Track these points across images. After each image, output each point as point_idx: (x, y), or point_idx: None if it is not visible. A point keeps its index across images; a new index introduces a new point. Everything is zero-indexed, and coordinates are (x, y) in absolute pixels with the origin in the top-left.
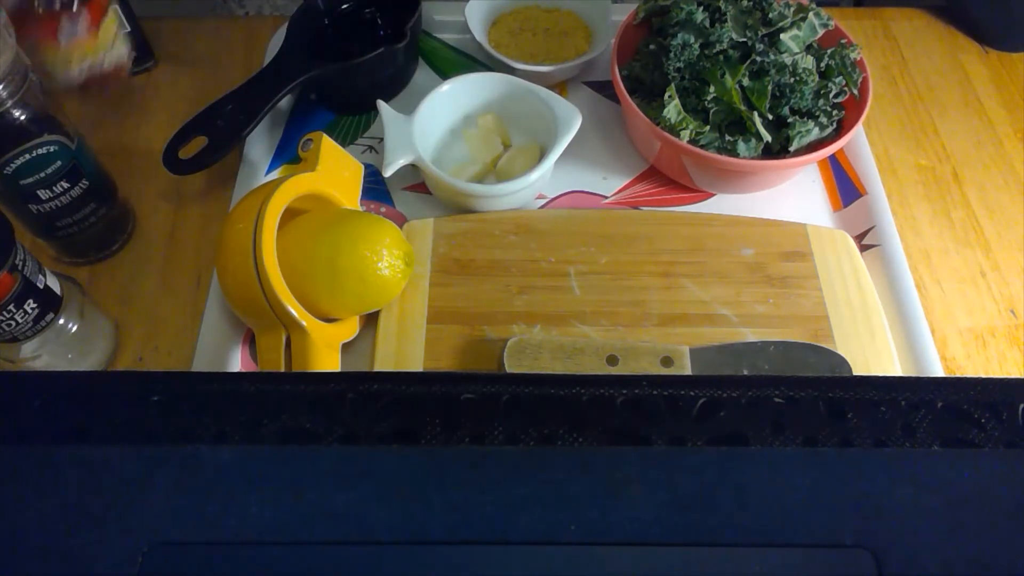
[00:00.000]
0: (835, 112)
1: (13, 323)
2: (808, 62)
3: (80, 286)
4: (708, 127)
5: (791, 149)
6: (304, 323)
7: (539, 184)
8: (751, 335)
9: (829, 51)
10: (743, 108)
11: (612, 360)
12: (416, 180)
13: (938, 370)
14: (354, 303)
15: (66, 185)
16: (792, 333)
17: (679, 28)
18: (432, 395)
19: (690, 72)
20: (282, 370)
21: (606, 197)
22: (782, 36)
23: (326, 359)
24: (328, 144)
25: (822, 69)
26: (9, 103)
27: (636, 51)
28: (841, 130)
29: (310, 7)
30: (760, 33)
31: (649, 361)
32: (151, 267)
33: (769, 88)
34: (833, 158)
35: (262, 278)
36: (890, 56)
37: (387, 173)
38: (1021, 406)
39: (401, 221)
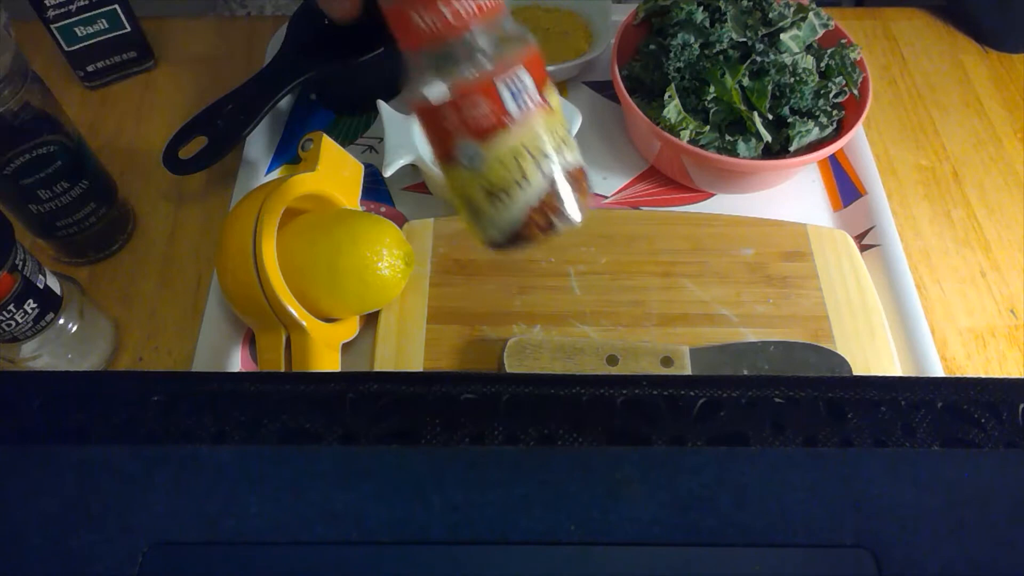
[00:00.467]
0: (835, 112)
1: (13, 323)
2: (808, 62)
3: (80, 286)
4: (708, 127)
5: (791, 149)
6: (304, 323)
7: None
8: (751, 335)
9: (829, 51)
10: (743, 108)
11: (612, 360)
12: (416, 180)
13: (938, 370)
14: (354, 303)
15: (66, 185)
16: (792, 333)
17: (679, 28)
18: (432, 395)
19: (690, 72)
20: (282, 370)
21: (606, 197)
22: (782, 36)
23: (326, 359)
24: (328, 144)
25: (822, 69)
26: (9, 103)
27: (636, 51)
28: (841, 130)
29: (310, 7)
30: (760, 33)
31: (649, 361)
32: (151, 267)
33: (769, 88)
34: (833, 158)
35: (262, 278)
36: (890, 56)
37: (387, 173)
38: (1021, 406)
39: (401, 221)
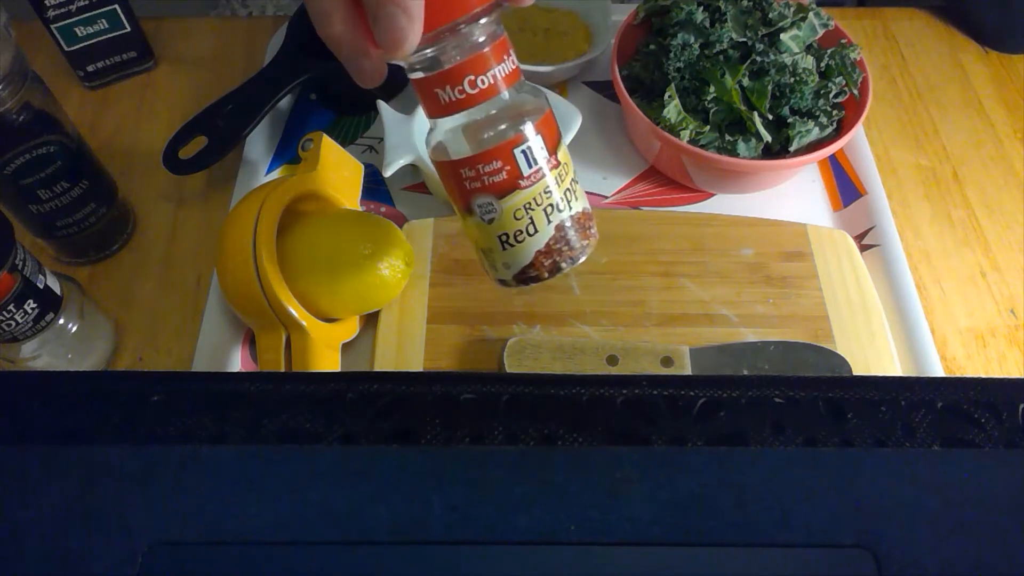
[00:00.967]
0: (835, 112)
1: (13, 323)
2: (808, 62)
3: (80, 286)
4: (708, 127)
5: (791, 149)
6: (304, 323)
7: None
8: (751, 335)
9: (829, 51)
10: (743, 108)
11: (612, 360)
12: (416, 180)
13: (938, 370)
14: (354, 303)
15: (66, 185)
16: (792, 333)
17: (679, 28)
18: (432, 395)
19: (690, 72)
20: (282, 370)
21: (606, 197)
22: (782, 36)
23: (326, 359)
24: (328, 144)
25: (822, 69)
26: (9, 103)
27: (636, 51)
28: (841, 130)
29: None
30: (760, 33)
31: (649, 361)
32: (151, 267)
33: (769, 88)
34: (833, 158)
35: (262, 278)
36: (890, 56)
37: (387, 173)
38: (1021, 406)
39: (401, 221)
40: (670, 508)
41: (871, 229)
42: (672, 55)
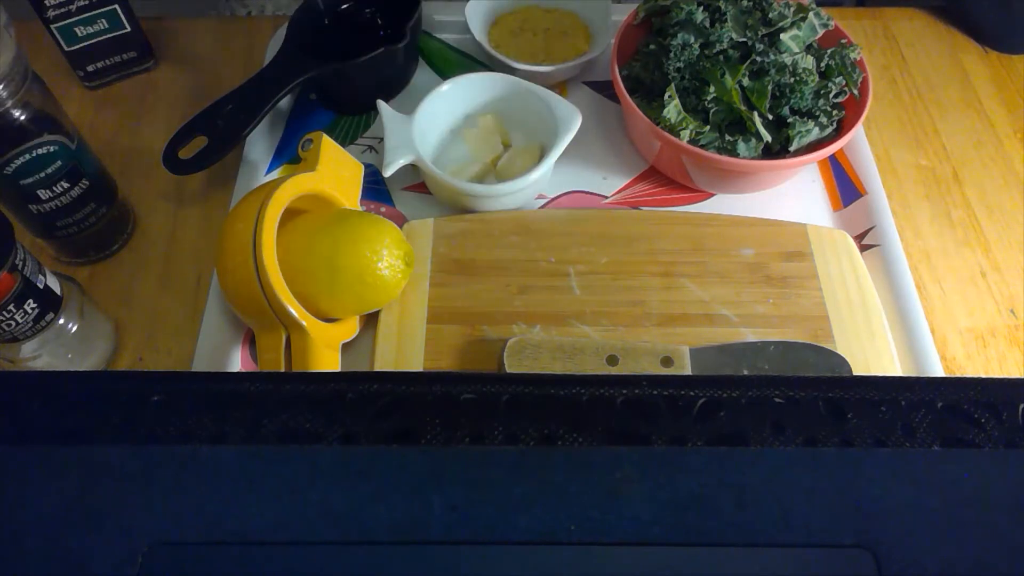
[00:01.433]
0: (835, 112)
1: (13, 323)
2: (808, 62)
3: (80, 286)
4: (708, 127)
5: (791, 149)
6: (304, 323)
7: (539, 184)
8: (751, 335)
9: (829, 51)
10: (743, 108)
11: (612, 360)
12: (416, 180)
13: (938, 370)
14: (354, 303)
15: (66, 185)
16: (792, 333)
17: (679, 28)
18: (432, 395)
19: (690, 72)
20: (282, 370)
21: (606, 197)
22: (782, 36)
23: (326, 359)
24: (328, 144)
25: (822, 69)
26: (9, 103)
27: (636, 51)
28: (841, 130)
29: (310, 7)
30: (760, 33)
31: (649, 361)
32: (151, 267)
33: (769, 88)
34: (833, 158)
35: (262, 278)
36: (890, 56)
37: (387, 173)
38: (1021, 406)
39: (401, 221)
40: (670, 508)
41: (871, 229)
42: (672, 55)
